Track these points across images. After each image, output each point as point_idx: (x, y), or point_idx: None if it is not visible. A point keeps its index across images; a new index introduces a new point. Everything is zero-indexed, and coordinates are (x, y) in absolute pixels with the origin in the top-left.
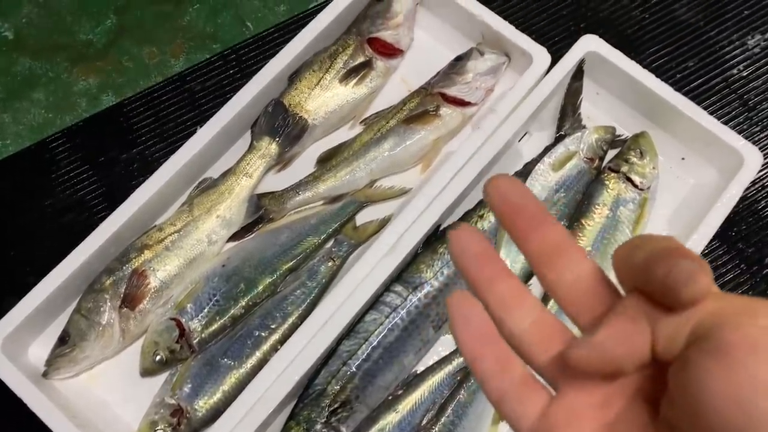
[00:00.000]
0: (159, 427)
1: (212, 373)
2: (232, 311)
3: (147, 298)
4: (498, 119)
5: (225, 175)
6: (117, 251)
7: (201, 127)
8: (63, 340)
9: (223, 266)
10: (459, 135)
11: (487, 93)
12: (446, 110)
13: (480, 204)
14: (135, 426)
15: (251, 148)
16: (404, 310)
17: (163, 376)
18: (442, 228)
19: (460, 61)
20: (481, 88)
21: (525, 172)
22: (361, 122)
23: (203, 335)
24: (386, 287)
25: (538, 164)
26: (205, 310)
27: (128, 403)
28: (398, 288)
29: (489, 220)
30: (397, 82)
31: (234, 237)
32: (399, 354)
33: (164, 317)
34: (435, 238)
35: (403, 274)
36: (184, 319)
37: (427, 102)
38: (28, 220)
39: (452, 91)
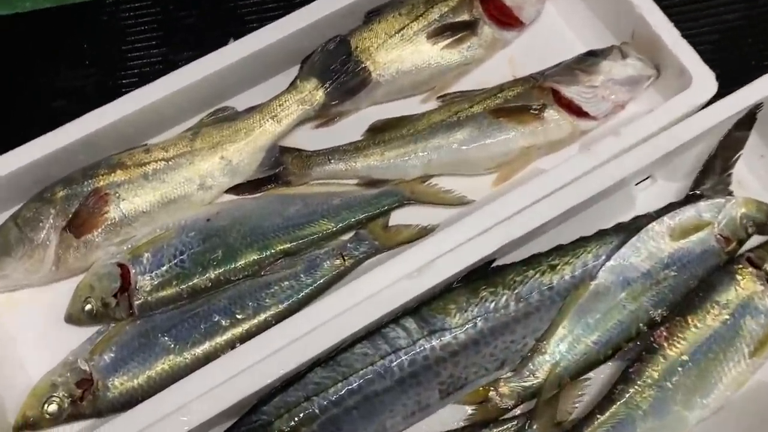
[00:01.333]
0: (56, 394)
1: (144, 349)
2: (197, 280)
3: (99, 229)
4: (619, 146)
5: (249, 110)
6: (86, 161)
7: (234, 40)
8: None
9: (208, 221)
10: (559, 151)
11: (616, 108)
12: (553, 113)
13: (558, 251)
14: (35, 377)
15: (292, 87)
16: (408, 356)
17: (88, 332)
18: (494, 265)
19: (593, 56)
20: (609, 100)
21: (632, 228)
22: (438, 97)
23: (150, 298)
24: (395, 318)
25: (654, 223)
26: (164, 268)
27: (39, 347)
28: (410, 324)
29: (562, 275)
30: (502, 62)
31: (234, 190)
32: (382, 411)
33: (112, 259)
34: (481, 276)
35: (423, 309)
36: (134, 270)
37: (532, 96)
38: (20, 90)
39: (570, 92)
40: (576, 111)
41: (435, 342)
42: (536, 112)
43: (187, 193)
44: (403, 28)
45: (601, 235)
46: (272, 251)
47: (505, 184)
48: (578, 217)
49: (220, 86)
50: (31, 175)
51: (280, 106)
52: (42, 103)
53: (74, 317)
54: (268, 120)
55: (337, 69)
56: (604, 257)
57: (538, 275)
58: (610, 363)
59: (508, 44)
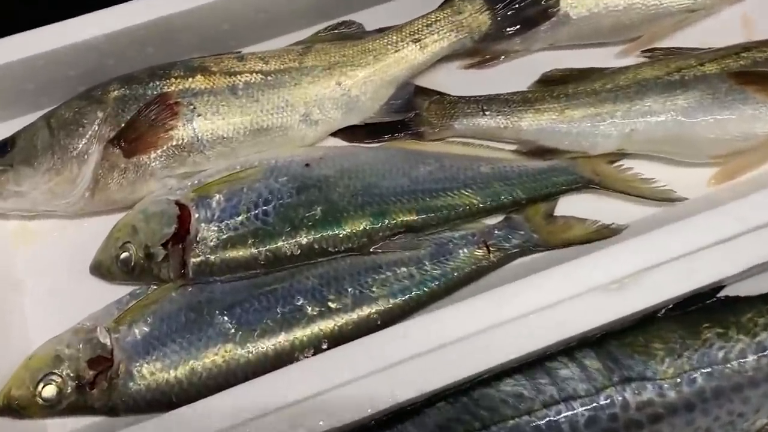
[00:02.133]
0: (58, 372)
1: (192, 328)
2: (281, 243)
3: (159, 150)
4: None
5: (383, 30)
6: (157, 59)
7: None
8: (2, 148)
9: (306, 166)
10: None
11: None
12: None
13: None
14: (35, 342)
15: (447, 5)
16: (586, 410)
17: (119, 291)
18: (722, 295)
19: None
20: None
21: None
22: (643, 51)
23: (212, 257)
24: (568, 349)
25: None
26: (239, 218)
27: (49, 302)
28: (592, 362)
29: None
30: (733, 20)
31: (344, 133)
32: None
33: (169, 195)
34: (703, 308)
35: (612, 343)
36: (197, 215)
37: None
38: None
39: None
40: None
41: (630, 395)
42: None
43: (284, 124)
44: None
45: None
46: (390, 221)
47: (729, 183)
48: None
49: None
50: (79, 64)
51: (427, 27)
52: None
53: (103, 267)
54: (408, 43)
55: None
56: None
57: None
58: None
59: None
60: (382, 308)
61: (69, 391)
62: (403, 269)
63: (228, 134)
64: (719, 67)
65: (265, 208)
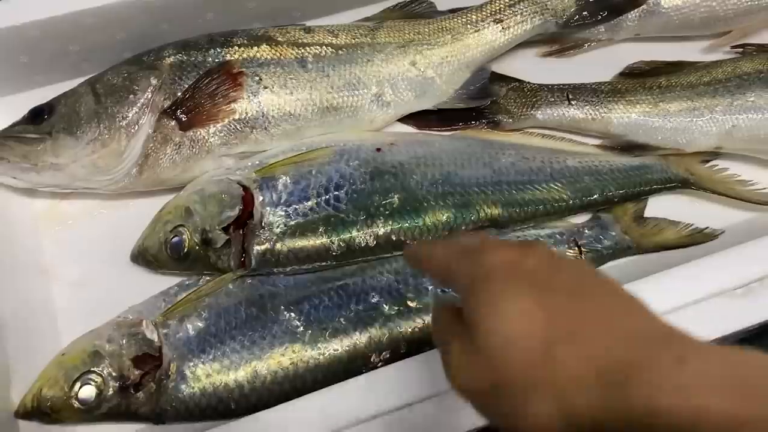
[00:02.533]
0: (98, 371)
1: (255, 325)
2: (355, 233)
3: (219, 124)
4: None
5: (455, 11)
6: (217, 25)
7: None
8: (37, 115)
9: (378, 150)
10: None
11: None
12: None
13: None
14: (66, 339)
15: None
16: None
17: (165, 282)
18: None
19: None
20: None
21: None
22: (734, 47)
23: (278, 246)
24: None
25: None
26: (309, 204)
27: (81, 293)
28: None
29: None
30: None
31: (413, 119)
32: None
33: (230, 175)
34: None
35: None
36: (261, 198)
37: None
38: None
39: None
40: None
41: None
42: None
43: (355, 103)
44: None
45: None
46: (474, 214)
47: None
48: None
49: None
50: (130, 27)
51: (510, 7)
52: None
53: (148, 253)
54: (489, 24)
55: None
56: None
57: None
58: None
59: None
60: None
61: (110, 393)
62: None
63: (295, 111)
64: None
65: (336, 193)
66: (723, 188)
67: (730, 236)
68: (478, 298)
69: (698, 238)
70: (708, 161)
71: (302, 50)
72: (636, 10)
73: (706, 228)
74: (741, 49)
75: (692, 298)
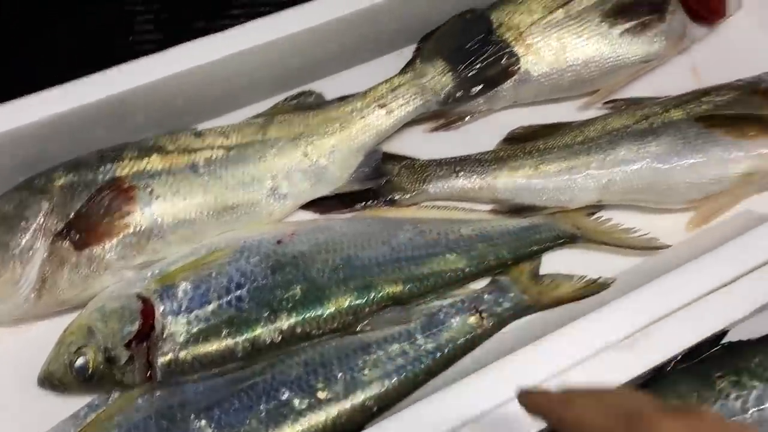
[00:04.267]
0: None
1: None
2: (260, 330)
3: (114, 239)
4: None
5: (346, 97)
6: (107, 140)
7: None
8: None
9: (279, 243)
10: None
11: None
12: None
13: None
14: None
15: (409, 68)
16: None
17: (72, 405)
18: (726, 341)
19: None
20: None
21: None
22: (605, 103)
23: (183, 354)
24: None
25: None
26: (210, 307)
27: None
28: None
29: None
30: (684, 70)
31: (314, 205)
32: None
33: (129, 289)
34: (710, 356)
35: None
36: (162, 308)
37: (753, 104)
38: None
39: None
40: None
41: None
42: (765, 124)
43: (251, 199)
44: (569, 1)
45: None
46: (376, 294)
47: (705, 227)
48: None
49: (309, 55)
50: (20, 151)
51: (392, 91)
52: (58, 47)
53: (54, 378)
54: (373, 109)
55: (474, 50)
56: None
57: None
58: None
59: (693, 45)
60: (377, 393)
61: None
62: (395, 346)
63: (191, 216)
64: (684, 112)
65: (238, 293)
66: (609, 238)
67: (622, 283)
68: None
69: (593, 289)
70: (593, 213)
71: (193, 156)
72: (509, 80)
73: (599, 278)
74: (611, 105)
75: (585, 355)
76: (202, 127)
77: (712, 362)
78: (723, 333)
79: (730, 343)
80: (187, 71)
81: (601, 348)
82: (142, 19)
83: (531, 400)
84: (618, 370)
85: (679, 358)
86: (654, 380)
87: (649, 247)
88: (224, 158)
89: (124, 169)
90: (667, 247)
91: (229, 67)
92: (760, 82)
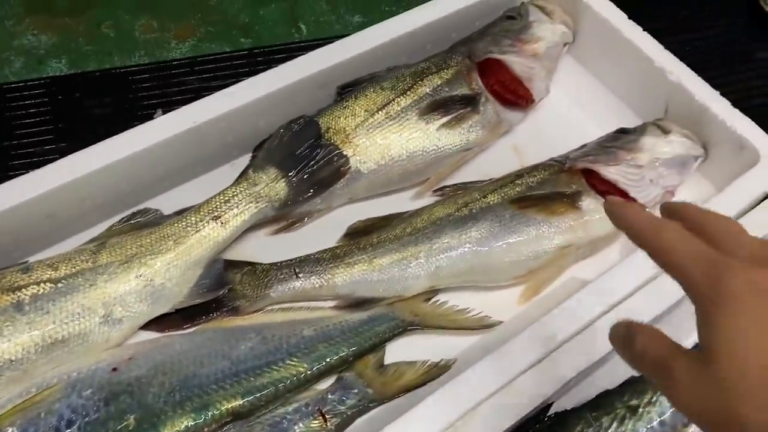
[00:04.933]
0: None
1: None
2: None
3: None
4: None
5: (181, 212)
6: None
7: (163, 113)
8: None
9: (114, 370)
10: (600, 254)
11: (666, 195)
12: (592, 202)
13: (631, 386)
14: None
15: (243, 178)
16: None
17: None
18: (552, 413)
19: (627, 134)
20: (659, 184)
21: None
22: (435, 191)
23: None
24: None
25: None
26: None
27: None
28: None
29: (648, 420)
30: (506, 150)
31: (155, 324)
32: None
33: None
34: (538, 430)
35: None
36: None
37: (560, 182)
38: None
39: (612, 173)
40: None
41: None
42: (570, 201)
43: (83, 330)
44: (388, 103)
45: None
46: (214, 412)
47: (534, 299)
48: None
49: (138, 179)
50: None
51: (225, 203)
52: None
53: None
54: (208, 222)
55: (305, 155)
56: None
57: (616, 424)
58: None
59: (512, 129)
60: None
61: None
62: None
63: (17, 356)
64: (500, 196)
65: (69, 431)
66: (445, 321)
67: (462, 362)
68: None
69: (435, 373)
70: (430, 299)
71: (18, 294)
72: (341, 180)
73: (440, 360)
74: (440, 192)
75: None
76: (34, 258)
77: None
78: (548, 405)
79: (556, 413)
80: (9, 210)
81: None
82: None
83: (611, 205)
84: None
85: None
86: None
87: (482, 325)
88: (52, 291)
89: None
90: (500, 323)
91: (52, 200)
92: (566, 160)
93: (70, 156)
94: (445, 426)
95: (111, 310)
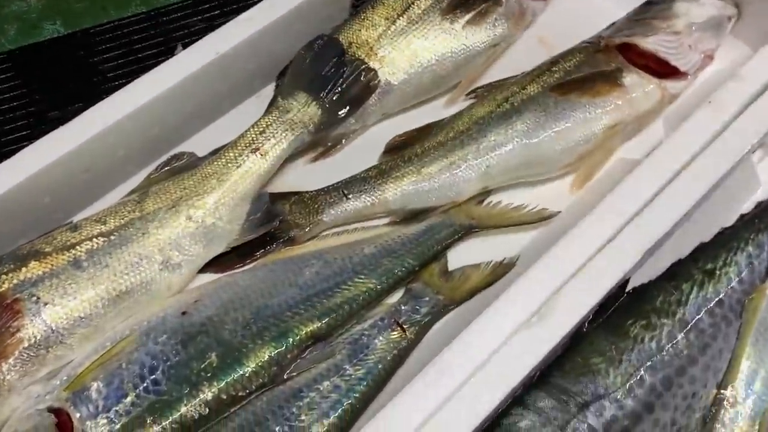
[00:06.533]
0: None
1: None
2: (184, 409)
3: (10, 359)
4: (740, 100)
5: (217, 151)
6: None
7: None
8: None
9: (184, 314)
10: (643, 135)
11: (705, 61)
12: (634, 77)
13: (704, 252)
14: None
15: (273, 107)
16: None
17: None
18: (629, 289)
19: (658, 3)
20: (697, 50)
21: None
22: (468, 94)
23: None
24: (518, 400)
25: None
26: (128, 400)
27: None
28: (545, 402)
29: (727, 281)
30: (533, 44)
31: (213, 266)
32: None
33: (39, 404)
34: (618, 309)
35: (555, 377)
36: (78, 414)
37: (599, 62)
38: None
39: (650, 43)
40: (659, 70)
41: (593, 419)
42: (614, 79)
43: (144, 279)
44: (408, 7)
45: (749, 221)
46: (295, 338)
47: (589, 184)
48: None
49: (167, 120)
50: None
51: (261, 134)
52: None
53: None
54: (248, 155)
55: (331, 75)
56: (767, 247)
57: (696, 289)
58: None
59: (535, 19)
60: None
61: None
62: (326, 383)
63: (85, 313)
64: (539, 86)
65: (153, 376)
66: (502, 220)
67: (526, 258)
68: None
69: (500, 271)
70: (483, 201)
71: (73, 252)
72: (373, 95)
73: (504, 259)
74: (474, 94)
75: (499, 342)
76: (77, 218)
77: (621, 312)
78: (625, 282)
79: (634, 289)
80: (46, 168)
81: (513, 331)
82: None
83: None
84: (534, 346)
85: (590, 317)
86: (573, 343)
87: (541, 218)
88: (106, 245)
89: (3, 284)
90: (558, 213)
91: (86, 153)
92: (600, 40)
93: (97, 105)
94: (531, 313)
95: (168, 256)
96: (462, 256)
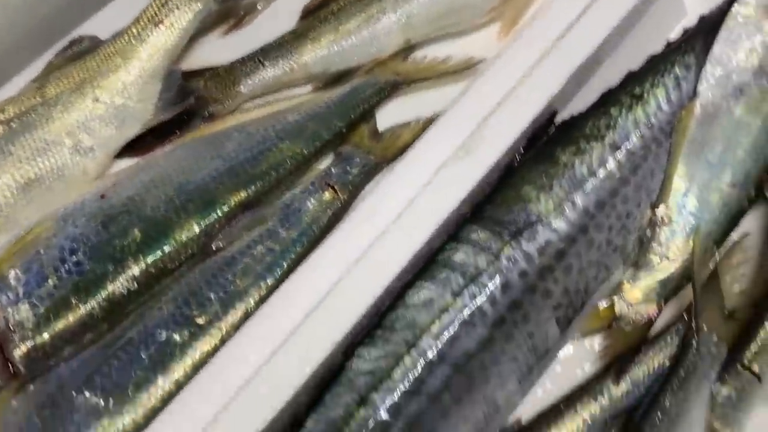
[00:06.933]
0: None
1: (56, 424)
2: (111, 286)
3: None
4: None
5: (120, 33)
6: None
7: None
8: None
9: (103, 197)
10: None
11: None
12: None
13: (633, 79)
14: None
15: None
16: (496, 281)
17: None
18: (560, 120)
19: None
20: None
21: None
22: None
23: (40, 339)
24: (451, 236)
25: (737, 4)
26: (50, 282)
27: None
28: (479, 234)
29: (656, 103)
30: None
31: (130, 150)
32: (485, 381)
33: None
34: (550, 138)
35: (487, 209)
36: None
37: None
38: None
39: None
40: None
41: (527, 245)
42: None
43: (54, 164)
44: None
45: (677, 46)
46: (221, 207)
47: (515, 30)
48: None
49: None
50: None
51: (164, 6)
52: None
53: None
54: (152, 30)
55: None
56: (694, 67)
57: (625, 112)
58: None
59: None
60: (257, 296)
61: None
62: (259, 248)
63: None
64: None
65: (74, 258)
66: (428, 72)
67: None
68: None
69: (428, 124)
70: (407, 57)
71: None
72: None
73: (433, 114)
74: None
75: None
76: None
77: (551, 144)
78: (553, 114)
79: (563, 121)
80: None
81: (440, 165)
82: None
83: None
84: (463, 180)
85: (521, 151)
86: (506, 175)
87: (467, 66)
88: (8, 132)
89: None
90: (483, 60)
91: None
92: None
93: None
94: (456, 148)
95: (78, 139)
96: (391, 116)
